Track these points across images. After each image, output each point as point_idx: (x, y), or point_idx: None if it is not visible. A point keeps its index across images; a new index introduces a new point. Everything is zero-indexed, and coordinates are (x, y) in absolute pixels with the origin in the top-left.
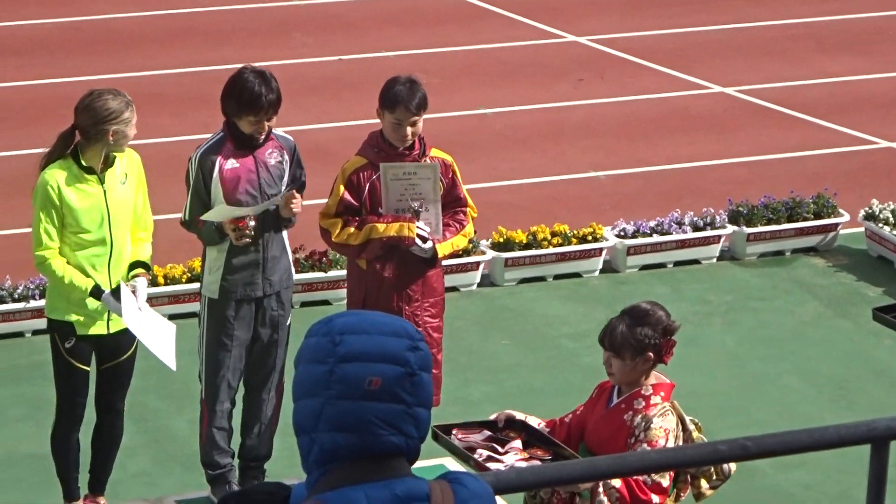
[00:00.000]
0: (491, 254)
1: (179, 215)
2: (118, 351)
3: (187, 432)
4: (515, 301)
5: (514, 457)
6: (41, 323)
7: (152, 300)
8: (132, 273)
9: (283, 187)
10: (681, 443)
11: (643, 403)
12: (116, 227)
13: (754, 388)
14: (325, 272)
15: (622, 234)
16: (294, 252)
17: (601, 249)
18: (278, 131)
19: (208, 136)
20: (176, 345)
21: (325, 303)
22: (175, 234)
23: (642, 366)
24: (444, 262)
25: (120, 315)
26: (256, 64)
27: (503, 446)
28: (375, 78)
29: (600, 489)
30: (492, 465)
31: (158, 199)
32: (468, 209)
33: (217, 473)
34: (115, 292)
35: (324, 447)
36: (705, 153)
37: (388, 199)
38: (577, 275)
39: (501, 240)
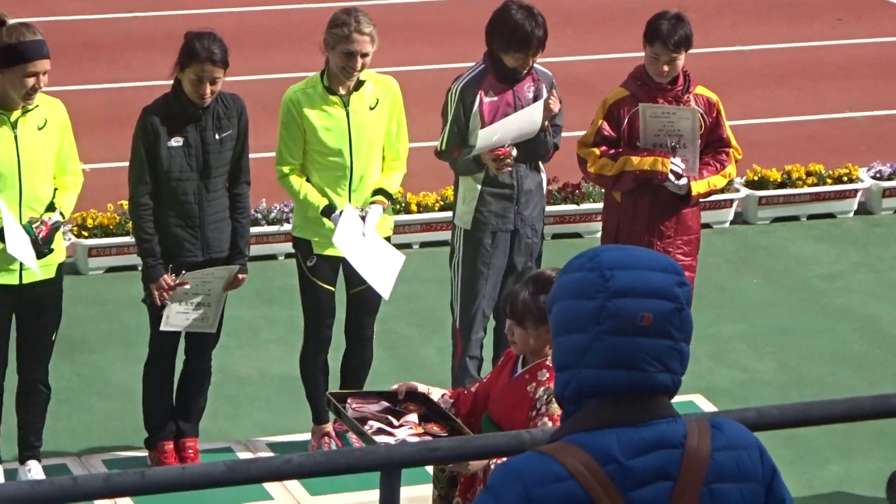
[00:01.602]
0: (745, 191)
1: (433, 144)
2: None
3: (436, 360)
4: (768, 239)
5: (406, 431)
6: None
7: (405, 227)
8: (372, 199)
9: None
10: None
11: (547, 375)
12: (359, 151)
13: None
14: (578, 205)
15: (878, 175)
16: (548, 184)
17: (856, 191)
18: (537, 65)
19: (464, 65)
20: (427, 273)
21: (577, 235)
22: (428, 163)
23: (545, 335)
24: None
25: None
26: None
27: (398, 419)
28: (633, 11)
29: (492, 466)
30: (381, 439)
31: (413, 127)
32: (731, 150)
33: None
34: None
35: (584, 383)
36: None
37: (646, 133)
38: (831, 215)
39: (756, 178)
